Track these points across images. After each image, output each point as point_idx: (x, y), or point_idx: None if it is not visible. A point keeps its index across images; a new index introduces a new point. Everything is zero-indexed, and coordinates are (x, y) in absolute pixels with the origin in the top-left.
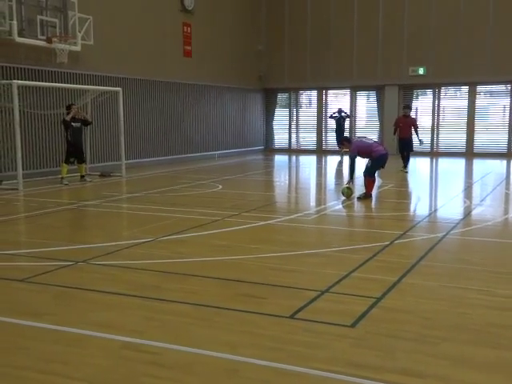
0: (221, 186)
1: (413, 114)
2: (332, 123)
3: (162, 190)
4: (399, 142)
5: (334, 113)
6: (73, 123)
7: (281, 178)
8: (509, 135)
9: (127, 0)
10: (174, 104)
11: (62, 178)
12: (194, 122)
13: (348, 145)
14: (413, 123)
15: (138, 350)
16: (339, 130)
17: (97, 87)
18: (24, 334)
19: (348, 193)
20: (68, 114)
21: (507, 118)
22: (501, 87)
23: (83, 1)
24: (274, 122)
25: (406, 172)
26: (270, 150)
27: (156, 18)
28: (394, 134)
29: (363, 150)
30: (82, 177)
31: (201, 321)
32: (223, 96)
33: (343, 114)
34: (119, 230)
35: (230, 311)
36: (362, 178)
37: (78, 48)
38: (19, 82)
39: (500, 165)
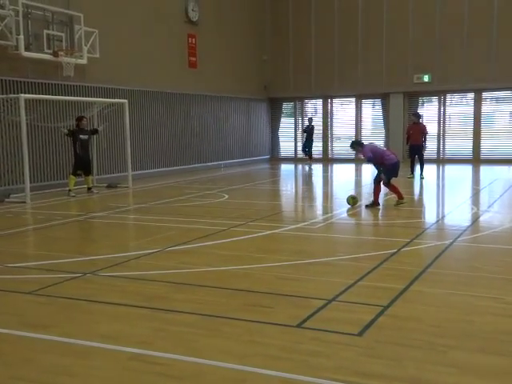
0: (227, 196)
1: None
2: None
3: (168, 200)
4: (410, 148)
5: (307, 126)
6: (81, 135)
7: (287, 187)
8: None
9: (132, 13)
10: (180, 115)
11: (69, 190)
12: (200, 132)
13: (360, 149)
14: (423, 130)
15: (147, 362)
16: (308, 139)
17: (103, 99)
18: (31, 347)
19: (353, 201)
20: (77, 125)
21: None
22: (507, 93)
23: (89, 14)
24: (280, 131)
25: (422, 178)
26: (275, 159)
27: (161, 30)
28: (407, 143)
29: (376, 155)
30: (89, 189)
31: (209, 331)
32: (228, 106)
33: (306, 125)
34: (126, 241)
35: (237, 321)
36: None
37: (84, 61)
38: (26, 95)
39: (507, 171)
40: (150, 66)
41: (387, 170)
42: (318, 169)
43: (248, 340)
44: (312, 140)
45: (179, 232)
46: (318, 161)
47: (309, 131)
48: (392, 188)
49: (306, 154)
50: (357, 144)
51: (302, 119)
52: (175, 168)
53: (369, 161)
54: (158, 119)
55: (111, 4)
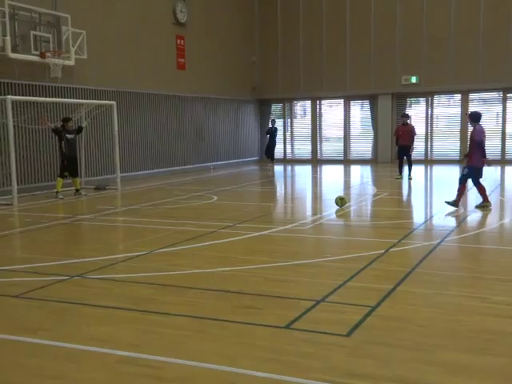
0: (216, 198)
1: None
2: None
3: (156, 202)
4: (399, 149)
5: (270, 127)
6: (67, 134)
7: (276, 189)
8: (502, 142)
9: (120, 14)
10: (169, 116)
11: (56, 192)
12: (189, 133)
13: (474, 124)
14: (411, 131)
15: (136, 364)
16: (272, 142)
17: (91, 101)
18: (20, 350)
19: (341, 202)
20: (63, 126)
21: (500, 125)
22: (493, 94)
23: (76, 16)
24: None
25: (411, 179)
26: (265, 160)
27: (149, 32)
28: (396, 144)
29: (480, 144)
30: (77, 191)
31: (199, 333)
32: (217, 107)
33: (270, 127)
34: (115, 244)
35: (227, 323)
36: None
37: (71, 62)
38: (13, 97)
39: (494, 171)
40: (139, 68)
41: (478, 169)
42: (279, 172)
43: (237, 342)
44: (275, 142)
45: (167, 234)
46: (306, 162)
47: (271, 133)
48: (462, 190)
49: (267, 157)
50: (476, 117)
51: (291, 120)
52: (164, 170)
53: (479, 144)
54: (146, 121)
55: (99, 5)
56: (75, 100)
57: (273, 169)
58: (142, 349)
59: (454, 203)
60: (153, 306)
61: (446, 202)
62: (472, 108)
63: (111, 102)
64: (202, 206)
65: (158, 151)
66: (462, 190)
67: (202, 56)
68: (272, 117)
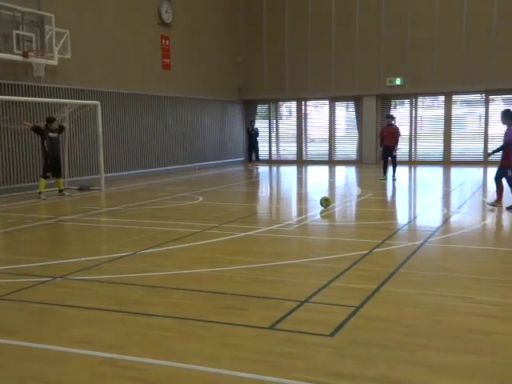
0: (201, 198)
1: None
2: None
3: (141, 203)
4: (383, 150)
5: (250, 128)
6: (50, 133)
7: (261, 189)
8: (484, 143)
9: (104, 13)
10: (153, 117)
11: (39, 192)
12: (174, 134)
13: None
14: (396, 132)
15: (119, 366)
16: (251, 143)
17: (75, 101)
18: (1, 352)
19: (326, 203)
20: (46, 126)
21: (483, 126)
22: (476, 96)
23: (60, 15)
24: None
25: (395, 179)
26: (247, 162)
27: (134, 32)
28: (381, 145)
29: None
30: (61, 191)
31: (182, 334)
32: (203, 108)
33: (255, 127)
34: (99, 245)
35: (211, 323)
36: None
37: (55, 62)
38: None
39: (477, 172)
40: (124, 68)
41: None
42: (264, 173)
43: (221, 342)
44: (255, 142)
45: (152, 235)
46: (292, 163)
47: (250, 134)
48: (500, 187)
49: (250, 158)
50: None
51: (277, 121)
52: (149, 170)
53: (507, 144)
54: (131, 121)
55: (83, 5)
56: (58, 100)
57: (256, 168)
58: (126, 350)
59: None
60: (137, 307)
61: (488, 203)
62: (455, 110)
63: (95, 102)
64: (187, 207)
65: (143, 152)
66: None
67: (187, 56)
68: (257, 117)
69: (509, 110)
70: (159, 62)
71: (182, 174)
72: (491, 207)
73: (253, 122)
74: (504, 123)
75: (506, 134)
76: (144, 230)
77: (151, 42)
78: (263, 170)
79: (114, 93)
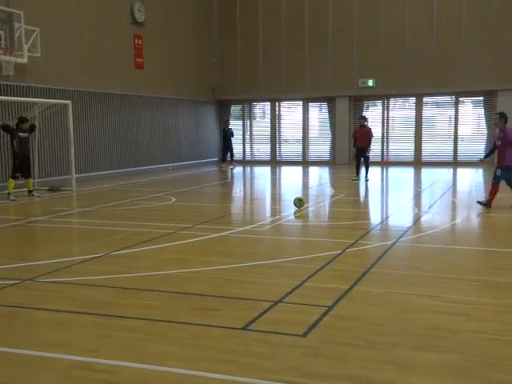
0: (174, 199)
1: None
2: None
3: (113, 203)
4: (356, 151)
5: (224, 129)
6: (20, 133)
7: (235, 190)
8: (454, 144)
9: (76, 12)
10: (126, 116)
11: (8, 193)
12: (147, 134)
13: (502, 125)
14: (368, 133)
15: (90, 369)
16: (226, 144)
17: (45, 100)
18: None
19: (299, 203)
20: (17, 125)
21: (452, 127)
22: (446, 98)
23: (30, 12)
24: None
25: (367, 180)
26: (221, 162)
27: (106, 30)
28: (354, 146)
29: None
30: (30, 192)
31: (154, 336)
32: (176, 108)
33: (230, 128)
34: (69, 246)
35: (183, 325)
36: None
37: (24, 60)
38: None
39: (447, 173)
40: (95, 67)
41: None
42: (238, 173)
43: (194, 344)
44: (230, 142)
45: (124, 236)
46: (266, 163)
47: (226, 134)
48: (494, 191)
49: (224, 159)
50: (504, 117)
51: (251, 122)
52: (121, 170)
53: (506, 143)
54: (103, 121)
55: (53, 2)
56: (28, 99)
57: (232, 168)
58: (97, 353)
59: (486, 204)
60: (109, 309)
61: (477, 202)
62: (426, 111)
63: (66, 101)
64: (160, 208)
65: (116, 152)
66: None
67: (161, 56)
68: (230, 118)
69: (503, 112)
70: (132, 61)
71: (155, 174)
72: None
73: (227, 122)
74: (496, 126)
75: (507, 134)
76: (116, 231)
77: (124, 41)
78: (237, 170)
79: (86, 92)
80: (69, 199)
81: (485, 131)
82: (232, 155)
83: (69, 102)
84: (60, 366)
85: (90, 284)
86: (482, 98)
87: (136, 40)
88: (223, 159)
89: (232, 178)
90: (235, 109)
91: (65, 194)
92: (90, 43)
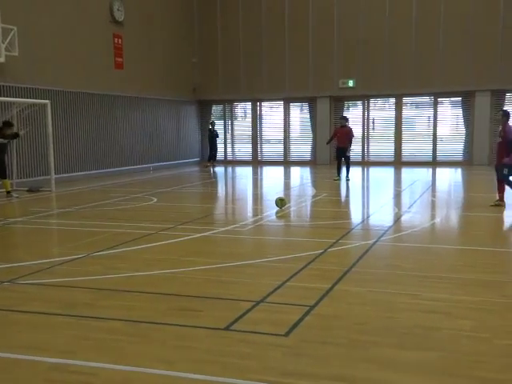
0: (156, 199)
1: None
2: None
3: (94, 204)
4: (337, 151)
5: (209, 129)
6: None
7: (216, 190)
8: (433, 144)
9: (54, 11)
10: (106, 117)
11: None
12: (128, 134)
13: (505, 119)
14: (349, 133)
15: (70, 371)
16: (212, 144)
17: (23, 100)
18: None
19: (281, 203)
20: (1, 130)
21: (431, 128)
22: (425, 99)
23: (7, 11)
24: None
25: (348, 180)
26: (205, 162)
27: (85, 29)
28: (327, 143)
29: None
30: (8, 192)
31: (136, 337)
32: (157, 108)
33: (216, 128)
34: (49, 247)
35: (165, 326)
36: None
37: (1, 59)
38: None
39: (426, 173)
40: (75, 66)
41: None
42: (220, 173)
43: (175, 345)
44: (213, 143)
45: (105, 237)
46: (247, 163)
47: (212, 134)
48: (502, 186)
49: (209, 158)
50: (507, 115)
51: (232, 122)
52: (101, 171)
53: (509, 142)
54: (83, 121)
55: (31, 1)
56: (5, 98)
57: (212, 168)
58: (76, 355)
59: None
60: (89, 310)
61: (491, 205)
62: (406, 112)
63: (45, 100)
64: (141, 208)
65: (96, 152)
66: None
67: (141, 56)
68: (212, 119)
69: (506, 110)
70: (112, 61)
71: (136, 174)
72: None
73: (213, 122)
74: (502, 120)
75: (506, 132)
76: (97, 231)
77: (103, 40)
78: (219, 170)
79: (66, 92)
80: (48, 200)
81: (463, 131)
82: (214, 156)
83: (48, 101)
84: (39, 369)
85: (70, 285)
86: (460, 98)
87: (116, 39)
88: (209, 158)
89: (215, 177)
90: (216, 109)
91: (44, 195)
92: (69, 42)
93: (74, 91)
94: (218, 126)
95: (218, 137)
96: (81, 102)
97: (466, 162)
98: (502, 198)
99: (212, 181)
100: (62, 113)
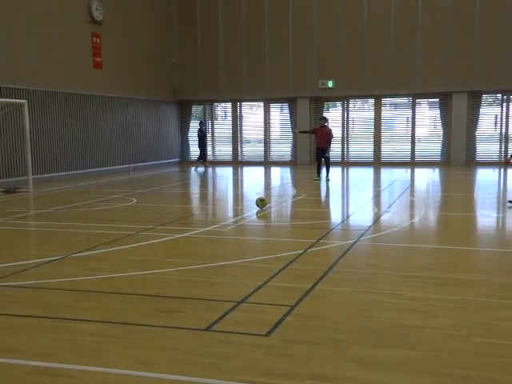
0: (135, 200)
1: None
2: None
3: (72, 205)
4: (317, 151)
5: (199, 129)
6: None
7: (197, 190)
8: (412, 145)
9: (32, 9)
10: (85, 117)
11: None
12: (107, 134)
13: None
14: (329, 133)
15: (50, 375)
16: (201, 143)
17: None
18: None
19: (262, 204)
20: None
21: (410, 128)
22: (404, 100)
23: None
24: (190, 135)
25: (328, 180)
26: (185, 162)
27: (63, 28)
28: (301, 132)
29: None
30: None
31: (116, 339)
32: (137, 108)
33: (203, 128)
34: (26, 249)
35: (146, 327)
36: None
37: None
38: None
39: (405, 173)
40: (53, 66)
41: None
42: (224, 172)
43: (156, 346)
44: (201, 142)
45: (84, 238)
46: (228, 164)
47: (199, 135)
48: None
49: (200, 159)
50: None
51: (212, 122)
52: (80, 171)
53: None
54: (61, 121)
55: None
56: None
57: (196, 168)
58: (57, 358)
59: None
60: (68, 312)
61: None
62: (385, 112)
63: (22, 100)
64: (120, 209)
65: (75, 152)
66: None
67: (120, 55)
68: (192, 118)
69: None
70: (90, 60)
71: (116, 175)
72: None
73: (202, 122)
74: None
75: None
76: (75, 233)
77: (81, 39)
78: (200, 171)
79: (43, 91)
80: (26, 201)
81: (441, 132)
82: (203, 156)
83: (24, 101)
84: (19, 373)
85: (49, 287)
86: (437, 99)
87: (94, 39)
88: (199, 159)
89: (204, 177)
90: (196, 109)
91: (21, 196)
92: (46, 41)
93: (52, 91)
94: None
95: (205, 137)
96: (59, 101)
97: (444, 163)
98: None
99: (192, 181)
100: (40, 113)
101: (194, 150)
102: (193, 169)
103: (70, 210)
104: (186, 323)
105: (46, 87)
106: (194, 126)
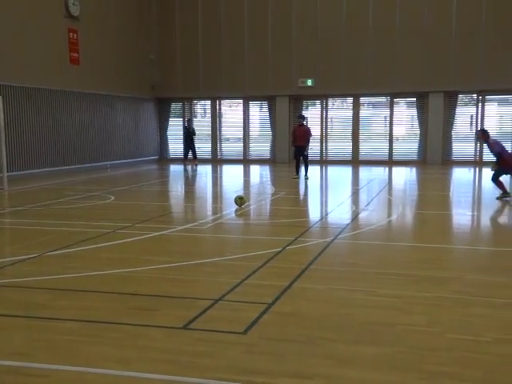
0: (113, 198)
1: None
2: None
3: (48, 202)
4: (295, 149)
5: (186, 127)
6: None
7: (176, 188)
8: (389, 144)
9: (6, 4)
10: (62, 113)
11: None
12: (85, 131)
13: (485, 137)
14: (307, 132)
15: (24, 374)
16: (187, 142)
17: None
18: None
19: (240, 202)
20: None
21: (388, 127)
22: (382, 99)
23: None
24: (168, 132)
25: (307, 178)
26: (164, 159)
27: (39, 23)
28: (293, 145)
29: (507, 156)
30: None
31: (91, 338)
32: (114, 105)
33: (192, 127)
34: (1, 247)
35: (121, 326)
36: None
37: None
38: None
39: (383, 172)
40: (28, 61)
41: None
42: (178, 172)
43: (132, 345)
44: (190, 141)
45: (60, 236)
46: (207, 162)
47: (186, 133)
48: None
49: (194, 156)
50: (483, 133)
51: (191, 120)
52: (57, 169)
53: (496, 153)
54: (38, 117)
55: None
56: None
57: (194, 167)
58: (30, 357)
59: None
60: (43, 311)
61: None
62: (363, 111)
63: None
64: (98, 206)
65: (51, 149)
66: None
67: (97, 51)
68: (171, 116)
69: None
70: (67, 56)
71: (93, 172)
72: (507, 199)
73: (189, 120)
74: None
75: (494, 147)
76: (51, 230)
77: (58, 35)
78: (177, 168)
79: (18, 87)
80: (0, 198)
81: (418, 131)
82: (194, 154)
83: None
84: None
85: (23, 286)
86: (414, 99)
87: (71, 34)
88: (194, 157)
89: (195, 175)
90: (175, 107)
91: None
92: (21, 36)
93: (27, 86)
94: (178, 124)
95: (194, 134)
96: (35, 97)
97: (421, 162)
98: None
99: (170, 179)
100: (15, 109)
101: (174, 148)
102: (189, 168)
103: (45, 208)
104: (163, 321)
105: (20, 83)
106: (173, 123)
